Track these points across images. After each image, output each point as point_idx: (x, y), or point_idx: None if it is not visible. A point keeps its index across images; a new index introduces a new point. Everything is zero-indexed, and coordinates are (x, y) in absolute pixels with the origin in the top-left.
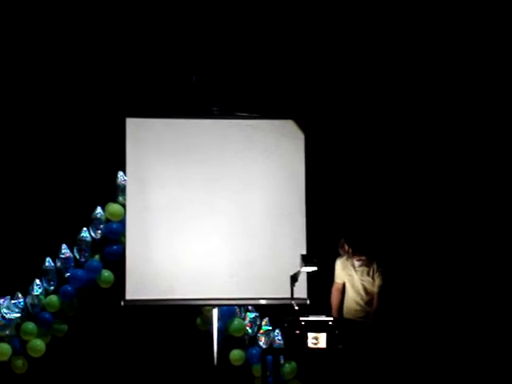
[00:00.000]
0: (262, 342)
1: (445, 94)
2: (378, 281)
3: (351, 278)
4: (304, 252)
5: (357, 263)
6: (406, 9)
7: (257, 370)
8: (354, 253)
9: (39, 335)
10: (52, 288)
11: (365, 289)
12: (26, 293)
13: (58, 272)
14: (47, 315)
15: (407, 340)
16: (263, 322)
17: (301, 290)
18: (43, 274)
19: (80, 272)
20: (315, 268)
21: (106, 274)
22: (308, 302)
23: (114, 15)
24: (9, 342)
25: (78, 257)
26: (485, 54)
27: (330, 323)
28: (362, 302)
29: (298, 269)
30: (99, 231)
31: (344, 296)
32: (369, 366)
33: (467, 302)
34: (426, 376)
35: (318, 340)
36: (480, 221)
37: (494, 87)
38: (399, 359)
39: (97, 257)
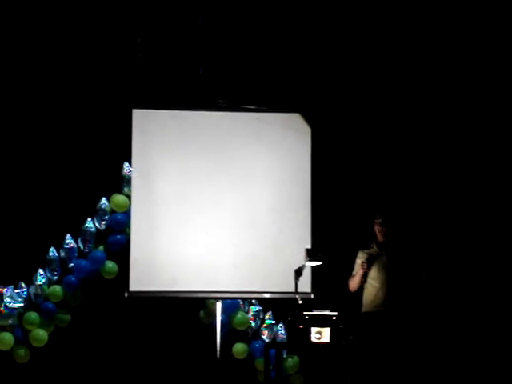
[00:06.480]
0: (265, 335)
1: (448, 88)
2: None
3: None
4: (309, 246)
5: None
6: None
7: (259, 363)
8: (383, 238)
9: (42, 325)
10: (55, 278)
11: (382, 278)
12: (30, 282)
13: (62, 262)
14: (50, 305)
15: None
16: (266, 316)
17: (305, 285)
18: (47, 263)
19: (84, 262)
20: (320, 262)
21: (110, 264)
22: (312, 296)
23: (121, 6)
24: (11, 332)
25: (82, 247)
26: (486, 54)
27: (334, 318)
28: (380, 291)
29: (303, 263)
30: (104, 222)
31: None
32: (379, 361)
33: (478, 300)
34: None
35: (321, 334)
36: (484, 218)
37: (495, 87)
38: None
39: (101, 247)
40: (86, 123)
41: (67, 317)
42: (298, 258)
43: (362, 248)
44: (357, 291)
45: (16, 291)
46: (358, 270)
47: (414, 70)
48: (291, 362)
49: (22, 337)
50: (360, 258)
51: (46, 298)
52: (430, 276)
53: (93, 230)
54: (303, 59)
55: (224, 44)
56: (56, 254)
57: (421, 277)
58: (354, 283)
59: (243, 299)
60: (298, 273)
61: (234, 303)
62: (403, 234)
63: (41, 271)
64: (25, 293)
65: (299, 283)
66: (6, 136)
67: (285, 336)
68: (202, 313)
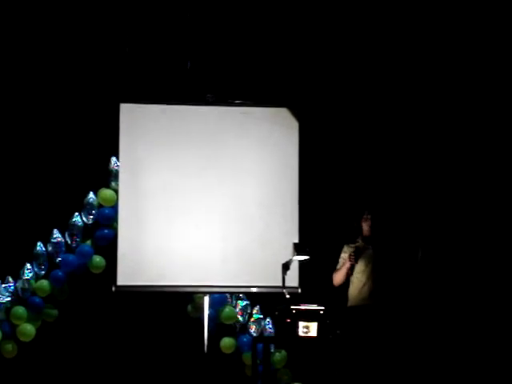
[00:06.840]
0: (253, 330)
1: (438, 82)
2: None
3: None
4: (296, 240)
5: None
6: None
7: (247, 358)
8: (369, 233)
9: (29, 320)
10: (43, 272)
11: (369, 272)
12: (17, 277)
13: (49, 257)
14: (37, 300)
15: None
16: (254, 311)
17: (292, 279)
18: (34, 258)
19: (71, 257)
20: (307, 257)
21: (98, 259)
22: (299, 290)
23: (108, 0)
24: None
25: (69, 242)
26: (485, 54)
27: (321, 312)
28: (366, 285)
29: (290, 257)
30: (91, 216)
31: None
32: (368, 356)
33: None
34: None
35: (308, 329)
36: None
37: (494, 87)
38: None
39: (88, 242)
40: (74, 117)
41: (54, 311)
42: (286, 252)
43: (348, 242)
44: (342, 285)
45: (3, 286)
46: (342, 264)
47: (400, 63)
48: (279, 356)
49: (10, 331)
50: (345, 252)
51: (34, 293)
52: (426, 255)
53: (80, 224)
54: (290, 54)
55: (212, 38)
56: (43, 249)
57: (416, 256)
58: (339, 277)
59: (231, 293)
60: (286, 267)
61: (221, 297)
62: (392, 226)
63: (28, 266)
64: (12, 287)
65: (287, 277)
66: None
67: (272, 330)
68: (189, 307)
